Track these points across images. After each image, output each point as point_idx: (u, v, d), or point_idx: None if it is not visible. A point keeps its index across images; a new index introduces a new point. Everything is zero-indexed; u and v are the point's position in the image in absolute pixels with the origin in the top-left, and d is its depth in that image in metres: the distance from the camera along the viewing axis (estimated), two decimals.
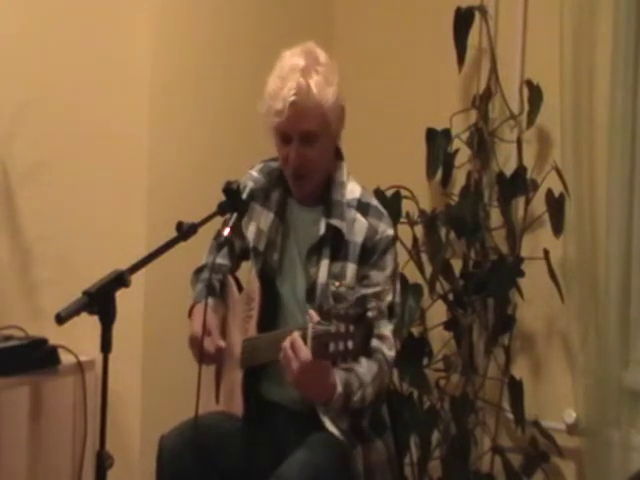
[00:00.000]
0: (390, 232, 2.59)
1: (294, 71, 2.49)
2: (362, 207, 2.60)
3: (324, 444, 2.50)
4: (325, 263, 2.56)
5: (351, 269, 2.55)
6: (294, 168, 2.56)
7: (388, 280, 2.56)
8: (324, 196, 2.60)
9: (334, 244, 2.56)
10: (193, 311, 2.73)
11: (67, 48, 3.41)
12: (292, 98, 2.47)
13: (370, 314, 2.24)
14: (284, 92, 2.47)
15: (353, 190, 2.62)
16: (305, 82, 2.48)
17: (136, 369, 3.29)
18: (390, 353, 2.54)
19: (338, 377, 2.39)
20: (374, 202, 2.64)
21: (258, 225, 2.70)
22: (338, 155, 2.65)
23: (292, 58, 2.54)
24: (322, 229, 2.57)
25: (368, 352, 2.32)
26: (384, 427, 2.65)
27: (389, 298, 2.56)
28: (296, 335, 2.33)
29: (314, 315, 2.31)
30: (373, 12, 3.88)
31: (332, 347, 2.22)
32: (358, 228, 2.57)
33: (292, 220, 2.67)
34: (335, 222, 2.56)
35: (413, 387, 3.46)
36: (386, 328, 2.53)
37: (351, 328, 2.21)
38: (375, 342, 2.46)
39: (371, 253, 2.55)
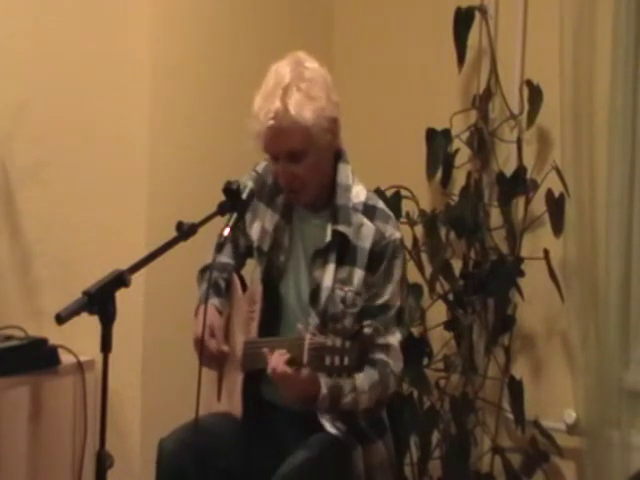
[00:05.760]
0: (397, 235, 2.59)
1: (276, 89, 2.48)
2: (368, 210, 2.59)
3: (325, 444, 2.51)
4: (331, 267, 2.56)
5: (358, 275, 2.54)
6: (285, 185, 2.58)
7: (398, 285, 2.56)
8: (330, 201, 2.59)
9: (340, 249, 2.56)
10: (199, 311, 2.73)
11: (67, 48, 3.41)
12: (269, 123, 2.47)
13: (366, 330, 2.25)
14: (261, 116, 2.48)
15: (358, 193, 2.61)
16: (282, 105, 2.46)
17: (136, 369, 3.29)
18: (396, 365, 2.53)
19: (323, 380, 2.42)
20: (380, 205, 2.63)
21: (263, 224, 2.69)
22: (341, 158, 2.63)
23: (277, 73, 2.52)
24: (328, 236, 2.57)
25: (363, 367, 2.35)
26: (384, 428, 2.65)
27: (398, 303, 2.55)
28: (276, 355, 2.39)
29: (311, 326, 2.35)
30: (373, 12, 3.88)
31: (328, 360, 2.25)
32: (365, 233, 2.56)
33: (298, 223, 2.66)
34: (341, 228, 2.56)
35: (413, 387, 3.46)
36: (394, 337, 2.53)
37: (347, 344, 2.23)
38: (381, 355, 2.49)
39: (379, 259, 2.54)
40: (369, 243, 2.55)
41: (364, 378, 2.47)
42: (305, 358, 2.30)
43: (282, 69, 2.53)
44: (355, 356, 2.24)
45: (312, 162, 2.54)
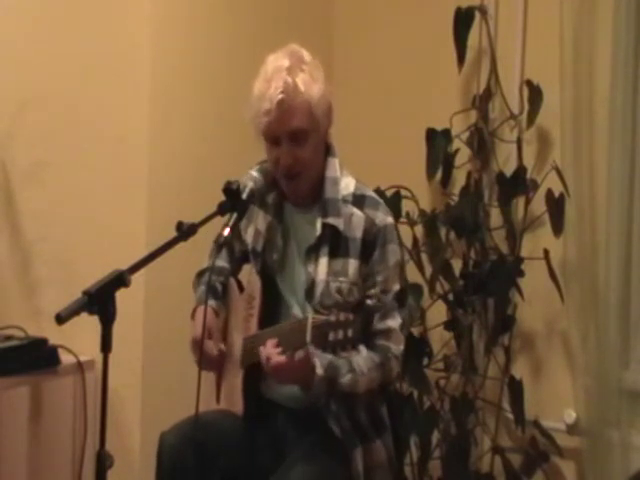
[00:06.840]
0: (388, 220, 2.59)
1: (279, 71, 2.50)
2: (357, 200, 2.60)
3: (325, 444, 2.51)
4: (324, 261, 2.56)
5: (353, 265, 2.55)
6: (286, 169, 2.56)
7: (394, 269, 2.56)
8: (319, 195, 2.60)
9: (333, 242, 2.56)
10: (195, 314, 2.73)
11: (67, 48, 3.41)
12: (279, 96, 2.47)
13: (369, 302, 2.25)
14: (270, 92, 2.48)
15: (347, 185, 2.62)
16: (292, 80, 2.49)
17: (136, 369, 3.29)
18: (397, 348, 2.55)
19: (319, 361, 2.41)
20: (369, 193, 2.64)
21: (256, 227, 2.71)
22: (330, 152, 2.64)
23: (276, 60, 2.54)
24: (318, 229, 2.57)
25: (367, 339, 2.35)
26: (384, 428, 2.65)
27: (396, 287, 2.56)
28: (269, 345, 2.38)
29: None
30: (373, 11, 3.89)
31: (332, 336, 2.24)
32: (356, 222, 2.57)
33: (290, 222, 2.67)
34: (331, 220, 2.56)
35: (413, 387, 3.47)
36: (394, 321, 2.54)
37: (350, 316, 2.22)
38: (381, 340, 2.50)
39: (372, 246, 2.55)
40: (360, 232, 2.56)
41: (363, 360, 2.48)
42: (308, 337, 2.29)
43: (279, 59, 2.54)
44: (359, 327, 2.23)
45: (312, 146, 2.55)
